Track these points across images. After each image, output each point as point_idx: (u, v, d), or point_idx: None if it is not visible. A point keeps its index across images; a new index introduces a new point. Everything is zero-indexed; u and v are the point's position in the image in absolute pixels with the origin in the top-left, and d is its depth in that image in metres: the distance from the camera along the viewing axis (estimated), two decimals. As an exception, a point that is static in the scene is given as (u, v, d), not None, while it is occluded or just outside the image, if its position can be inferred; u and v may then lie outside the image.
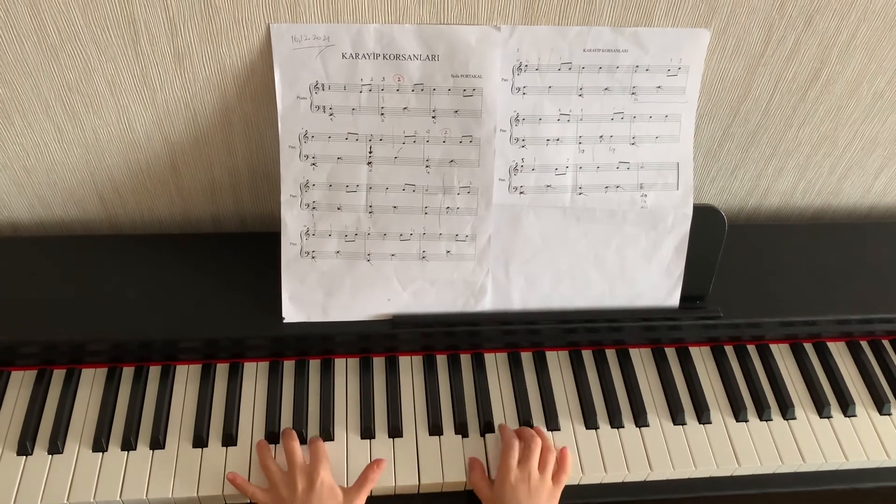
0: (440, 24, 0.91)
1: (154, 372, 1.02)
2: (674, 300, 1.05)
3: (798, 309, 1.09)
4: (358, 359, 1.05)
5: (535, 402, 1.03)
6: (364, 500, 0.91)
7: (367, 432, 0.98)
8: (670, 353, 1.10)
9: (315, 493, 0.87)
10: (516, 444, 0.94)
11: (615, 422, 1.01)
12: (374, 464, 0.93)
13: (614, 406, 1.02)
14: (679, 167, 1.00)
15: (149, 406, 0.99)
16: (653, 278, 1.04)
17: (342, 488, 0.91)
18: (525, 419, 1.00)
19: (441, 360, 1.06)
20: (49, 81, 0.94)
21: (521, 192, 0.98)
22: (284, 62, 0.92)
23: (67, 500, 0.90)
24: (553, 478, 0.94)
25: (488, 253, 1.01)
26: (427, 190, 0.98)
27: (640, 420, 1.02)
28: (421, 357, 1.06)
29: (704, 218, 1.01)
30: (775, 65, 1.02)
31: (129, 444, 0.95)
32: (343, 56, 0.92)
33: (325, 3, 0.88)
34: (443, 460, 0.96)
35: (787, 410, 1.04)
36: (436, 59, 0.92)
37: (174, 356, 1.03)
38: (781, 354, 1.11)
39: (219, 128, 1.02)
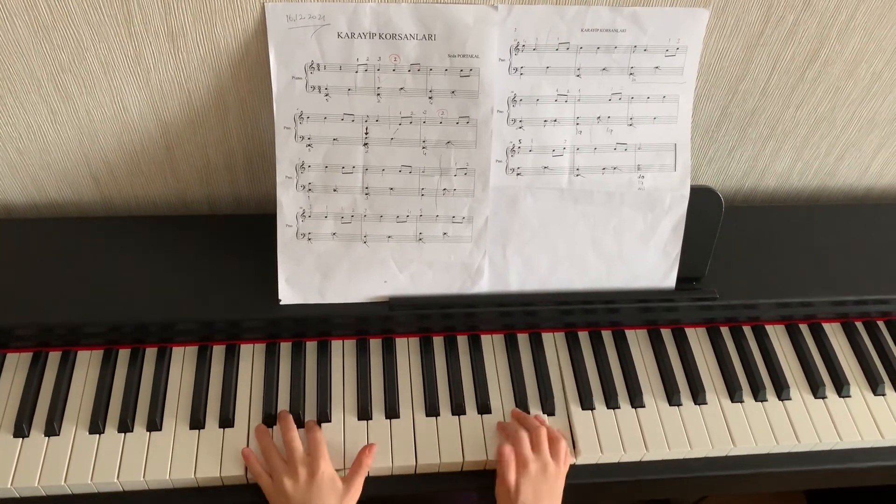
0: (437, 2, 0.90)
1: (150, 354, 1.02)
2: (670, 282, 1.05)
3: (794, 290, 1.09)
4: (355, 340, 1.05)
5: (531, 384, 1.03)
6: (361, 485, 0.91)
7: (364, 413, 0.98)
8: (666, 334, 1.10)
9: (316, 484, 0.88)
10: (524, 435, 0.93)
11: (611, 403, 1.02)
12: (366, 448, 0.93)
13: (610, 387, 1.03)
14: (676, 148, 0.99)
15: (145, 388, 0.99)
16: (650, 260, 1.04)
17: (340, 477, 0.91)
18: (521, 400, 1.01)
19: (438, 342, 1.06)
20: (41, 61, 0.93)
21: (518, 174, 0.98)
22: (279, 42, 0.91)
23: (65, 481, 0.90)
24: (553, 457, 0.93)
25: (485, 235, 1.00)
26: (424, 171, 0.97)
27: (636, 401, 1.02)
28: (418, 339, 1.06)
29: (701, 199, 1.01)
30: (774, 45, 1.02)
31: (125, 426, 0.95)
32: (339, 35, 0.91)
33: (321, -19, 0.87)
34: (440, 441, 0.97)
35: (782, 391, 1.05)
36: (432, 38, 0.91)
37: (170, 338, 1.02)
38: (777, 335, 1.12)
39: (213, 109, 1.01)
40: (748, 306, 1.09)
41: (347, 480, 0.91)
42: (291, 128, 0.94)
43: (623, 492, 1.01)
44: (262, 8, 0.89)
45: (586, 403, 1.01)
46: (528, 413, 1.00)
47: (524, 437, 0.93)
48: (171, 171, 1.09)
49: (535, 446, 0.93)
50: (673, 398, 1.03)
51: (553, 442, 0.94)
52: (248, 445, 0.95)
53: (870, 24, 1.01)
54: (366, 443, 0.95)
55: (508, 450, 0.93)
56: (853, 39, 1.02)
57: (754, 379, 1.05)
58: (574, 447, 0.98)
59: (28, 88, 0.96)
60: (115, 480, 0.91)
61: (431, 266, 1.01)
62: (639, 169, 0.99)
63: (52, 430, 0.94)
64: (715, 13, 0.96)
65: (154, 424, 0.95)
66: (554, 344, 1.08)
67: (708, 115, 1.10)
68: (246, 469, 0.93)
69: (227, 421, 0.96)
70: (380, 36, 0.91)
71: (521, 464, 0.91)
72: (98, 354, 1.01)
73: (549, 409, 1.01)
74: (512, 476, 0.91)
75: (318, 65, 0.92)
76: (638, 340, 1.09)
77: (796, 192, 1.27)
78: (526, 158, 0.97)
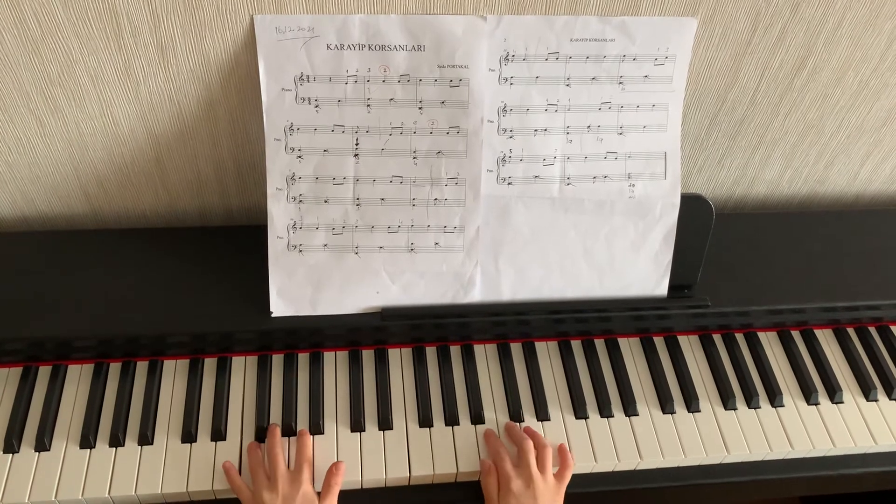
0: (426, 13, 0.91)
1: (141, 367, 1.01)
2: (662, 289, 1.05)
3: (785, 297, 1.09)
4: (347, 352, 1.05)
5: (524, 393, 1.03)
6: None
7: (357, 425, 0.98)
8: (659, 342, 1.10)
9: (296, 502, 0.88)
10: (505, 452, 0.94)
11: (605, 411, 1.02)
12: (333, 467, 0.92)
13: (604, 396, 1.03)
14: (667, 157, 1.00)
15: (136, 402, 0.98)
16: (641, 268, 1.04)
17: (318, 494, 0.91)
18: (515, 410, 1.00)
19: (430, 352, 1.06)
20: (30, 75, 0.92)
21: (509, 183, 0.98)
22: (269, 54, 0.91)
23: (55, 497, 0.89)
24: (556, 475, 0.94)
25: (477, 244, 1.00)
26: (415, 181, 0.97)
27: (630, 409, 1.02)
28: (410, 349, 1.06)
29: (692, 207, 1.01)
30: (762, 53, 1.02)
31: (117, 441, 0.94)
32: (328, 47, 0.91)
33: (310, -7, 0.88)
34: (433, 452, 0.96)
35: (775, 398, 1.05)
36: (422, 49, 0.92)
37: (161, 351, 1.02)
38: (769, 342, 1.12)
39: (203, 121, 1.01)
40: (740, 313, 1.09)
41: (321, 501, 0.90)
42: (281, 139, 0.94)
43: (618, 501, 1.01)
44: (252, 20, 0.89)
45: (580, 412, 1.01)
46: (523, 421, 1.00)
47: (505, 454, 0.94)
48: (161, 184, 1.09)
49: (521, 460, 0.93)
50: (666, 406, 1.03)
51: (538, 452, 0.94)
52: (240, 458, 0.94)
53: (856, 32, 1.01)
54: (359, 455, 0.95)
55: (488, 464, 0.94)
56: (840, 47, 1.03)
57: (747, 386, 1.05)
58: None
59: (17, 102, 0.95)
60: (107, 496, 0.90)
61: (423, 276, 1.01)
62: (629, 177, 1.00)
63: (42, 445, 0.93)
64: (703, 22, 0.97)
65: (145, 438, 0.95)
66: (547, 353, 1.07)
67: (697, 123, 1.11)
68: (238, 482, 0.92)
69: (218, 434, 0.96)
70: (369, 47, 0.91)
71: (504, 481, 0.91)
72: (89, 368, 1.01)
73: (542, 418, 1.01)
74: (493, 490, 0.92)
75: (308, 76, 0.92)
76: (631, 349, 1.09)
77: (787, 199, 1.28)
78: (517, 168, 0.98)
